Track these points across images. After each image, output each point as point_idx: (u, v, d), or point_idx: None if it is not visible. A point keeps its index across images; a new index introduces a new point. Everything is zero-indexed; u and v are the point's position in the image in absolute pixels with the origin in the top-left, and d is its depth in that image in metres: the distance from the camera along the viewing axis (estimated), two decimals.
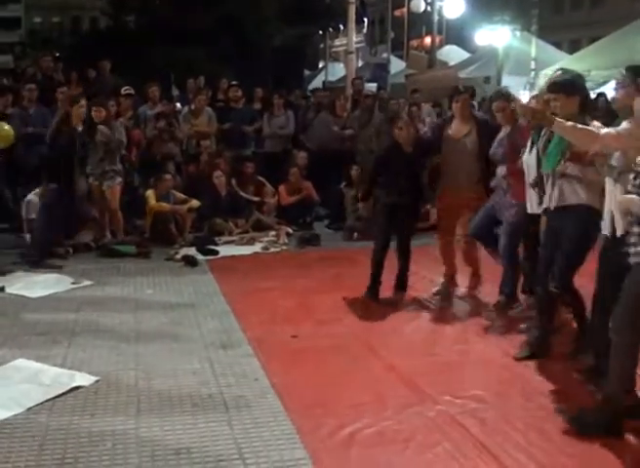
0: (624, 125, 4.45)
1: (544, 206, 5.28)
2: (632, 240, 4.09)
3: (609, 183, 4.60)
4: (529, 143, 5.81)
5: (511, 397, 4.71)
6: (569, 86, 5.08)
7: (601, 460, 3.94)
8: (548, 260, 5.22)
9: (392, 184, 7.01)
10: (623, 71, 4.67)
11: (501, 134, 6.61)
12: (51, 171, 8.33)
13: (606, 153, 4.61)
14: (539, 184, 5.53)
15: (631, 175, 4.17)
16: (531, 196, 5.83)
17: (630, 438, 4.13)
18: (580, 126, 4.60)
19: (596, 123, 4.88)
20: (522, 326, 6.05)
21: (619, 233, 4.43)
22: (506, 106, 6.45)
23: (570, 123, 4.64)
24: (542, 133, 5.34)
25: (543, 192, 5.33)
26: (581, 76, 5.37)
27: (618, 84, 4.76)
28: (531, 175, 5.77)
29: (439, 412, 4.45)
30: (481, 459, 3.91)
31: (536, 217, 5.83)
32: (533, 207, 5.81)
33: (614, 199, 4.48)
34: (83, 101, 8.48)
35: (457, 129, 7.04)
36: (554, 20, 33.41)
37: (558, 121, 4.66)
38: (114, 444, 4.02)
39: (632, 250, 4.08)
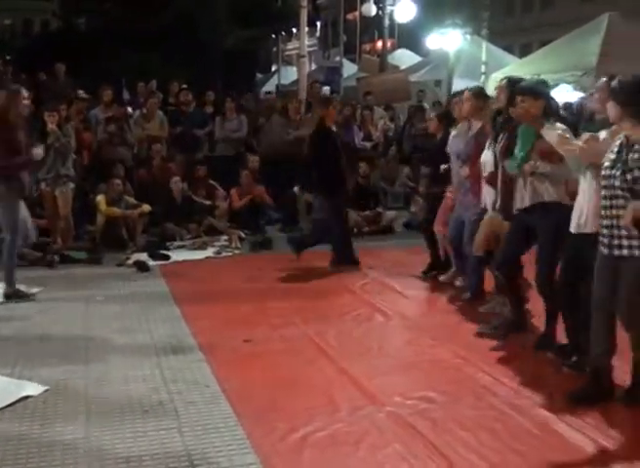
0: (603, 135, 4.69)
1: (518, 206, 5.54)
2: (620, 233, 4.36)
3: (582, 181, 4.88)
4: (487, 143, 6.14)
5: (461, 397, 4.75)
6: (536, 89, 5.37)
7: (551, 458, 3.99)
8: (511, 251, 5.63)
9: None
10: (604, 78, 5.07)
11: (464, 134, 6.87)
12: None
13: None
14: (492, 182, 5.94)
15: (618, 172, 4.36)
16: (487, 194, 6.15)
17: (578, 436, 4.21)
18: (567, 137, 4.88)
19: (559, 125, 5.12)
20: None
21: (588, 230, 4.75)
22: (477, 103, 6.69)
23: (557, 131, 4.91)
24: (500, 137, 5.74)
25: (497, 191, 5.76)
26: (546, 82, 5.81)
27: (594, 90, 5.17)
28: (487, 171, 6.10)
29: (390, 414, 4.47)
30: (431, 460, 3.94)
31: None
32: (489, 204, 6.12)
33: (586, 196, 4.81)
34: (336, 103, 8.61)
35: (456, 129, 7.29)
36: (505, 24, 33.83)
37: (547, 126, 4.95)
38: (64, 453, 3.97)
39: (616, 241, 4.38)
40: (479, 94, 6.83)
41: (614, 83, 4.59)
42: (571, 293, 5.11)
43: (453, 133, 7.24)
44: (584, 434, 4.22)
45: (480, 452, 4.02)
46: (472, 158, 6.55)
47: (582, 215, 4.84)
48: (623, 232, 4.34)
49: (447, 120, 7.64)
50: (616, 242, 4.39)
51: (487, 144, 6.20)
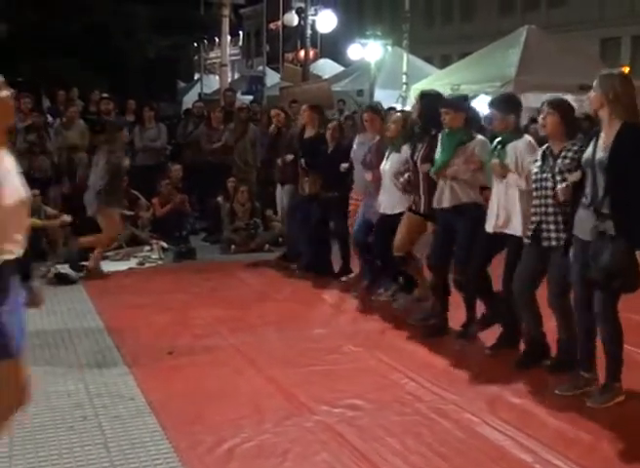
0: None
1: (436, 205, 6.05)
2: (549, 227, 5.00)
3: (495, 184, 5.50)
4: (386, 154, 6.88)
5: (387, 403, 4.82)
6: (456, 103, 6.05)
7: (475, 460, 4.08)
8: (441, 253, 6.10)
9: None
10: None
11: (368, 143, 7.48)
12: None
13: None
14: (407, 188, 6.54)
15: (549, 175, 4.97)
16: (389, 197, 6.81)
17: (501, 437, 4.31)
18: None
19: (480, 136, 5.93)
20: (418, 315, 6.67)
21: (511, 232, 5.40)
22: (375, 118, 7.39)
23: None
24: (420, 146, 6.38)
25: (419, 196, 6.39)
26: (466, 97, 6.59)
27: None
28: (386, 180, 6.81)
29: (317, 423, 4.50)
30: (359, 467, 3.98)
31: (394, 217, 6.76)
32: (394, 208, 6.78)
33: (498, 197, 5.47)
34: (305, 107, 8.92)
35: (359, 139, 7.95)
36: (425, 35, 34.33)
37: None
38: None
39: (545, 234, 5.03)
40: (375, 110, 7.56)
41: (558, 101, 5.18)
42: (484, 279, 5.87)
43: (356, 141, 7.81)
44: (507, 436, 4.33)
45: (406, 458, 4.08)
46: (377, 164, 7.11)
47: (500, 217, 5.45)
48: (552, 226, 4.98)
49: (342, 131, 8.33)
50: (545, 235, 5.03)
51: (386, 154, 6.91)
